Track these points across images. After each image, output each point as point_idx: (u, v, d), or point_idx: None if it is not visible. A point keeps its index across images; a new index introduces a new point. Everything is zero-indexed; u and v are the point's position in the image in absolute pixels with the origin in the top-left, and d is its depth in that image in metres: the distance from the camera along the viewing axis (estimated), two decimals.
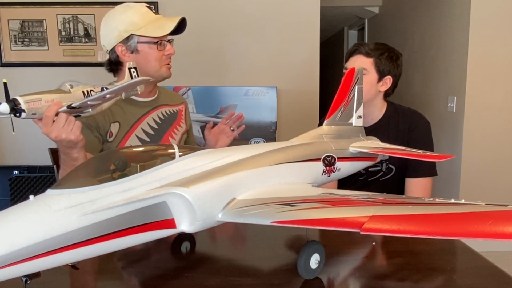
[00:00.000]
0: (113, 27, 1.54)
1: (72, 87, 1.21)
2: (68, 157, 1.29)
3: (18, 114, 1.07)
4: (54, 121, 1.16)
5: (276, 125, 3.12)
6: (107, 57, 1.62)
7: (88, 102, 1.19)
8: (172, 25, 1.54)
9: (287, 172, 1.09)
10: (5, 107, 1.05)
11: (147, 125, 1.63)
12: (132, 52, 1.55)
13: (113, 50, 1.57)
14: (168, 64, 1.62)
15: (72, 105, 1.16)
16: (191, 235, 1.17)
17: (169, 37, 1.61)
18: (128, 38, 1.53)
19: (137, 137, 1.60)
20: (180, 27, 1.58)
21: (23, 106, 1.07)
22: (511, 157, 3.40)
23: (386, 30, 5.19)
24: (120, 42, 1.54)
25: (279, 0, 3.34)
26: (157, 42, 1.55)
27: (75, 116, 1.22)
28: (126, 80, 1.42)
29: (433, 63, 3.88)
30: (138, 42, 1.54)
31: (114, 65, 1.61)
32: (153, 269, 1.06)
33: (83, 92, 1.22)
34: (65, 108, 1.16)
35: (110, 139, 1.56)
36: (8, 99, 1.06)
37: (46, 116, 1.14)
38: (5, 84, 1.07)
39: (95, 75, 2.60)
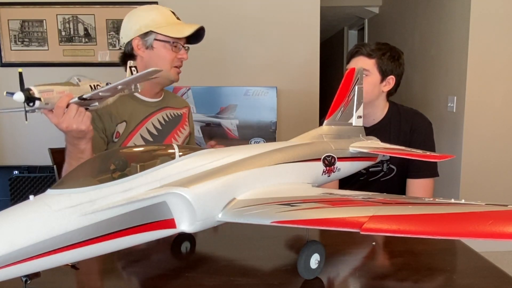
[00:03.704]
0: (135, 21, 1.61)
1: (80, 80, 1.24)
2: (75, 148, 1.31)
3: (31, 104, 1.08)
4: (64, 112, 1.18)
5: (276, 125, 3.11)
6: (121, 50, 1.68)
7: (100, 94, 1.20)
8: (190, 30, 1.61)
9: (287, 172, 1.09)
10: (20, 96, 1.06)
11: (151, 125, 1.66)
12: (147, 48, 1.61)
13: (129, 43, 1.62)
14: (178, 68, 1.67)
15: (84, 96, 1.18)
16: (191, 235, 1.17)
17: (186, 45, 1.66)
18: (146, 34, 1.59)
19: (141, 136, 1.62)
20: (199, 36, 1.65)
21: (37, 95, 1.08)
22: (511, 157, 3.40)
23: (386, 30, 5.18)
24: (138, 36, 1.60)
25: (279, 0, 3.34)
26: (173, 43, 1.60)
27: None
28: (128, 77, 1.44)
29: (433, 63, 3.87)
30: (155, 39, 1.59)
31: (128, 57, 1.65)
32: (153, 269, 1.06)
33: (90, 86, 1.25)
34: (76, 99, 1.18)
35: (115, 140, 1.57)
36: (23, 89, 1.07)
37: (58, 106, 1.16)
38: (20, 74, 1.07)
39: (95, 75, 2.60)
